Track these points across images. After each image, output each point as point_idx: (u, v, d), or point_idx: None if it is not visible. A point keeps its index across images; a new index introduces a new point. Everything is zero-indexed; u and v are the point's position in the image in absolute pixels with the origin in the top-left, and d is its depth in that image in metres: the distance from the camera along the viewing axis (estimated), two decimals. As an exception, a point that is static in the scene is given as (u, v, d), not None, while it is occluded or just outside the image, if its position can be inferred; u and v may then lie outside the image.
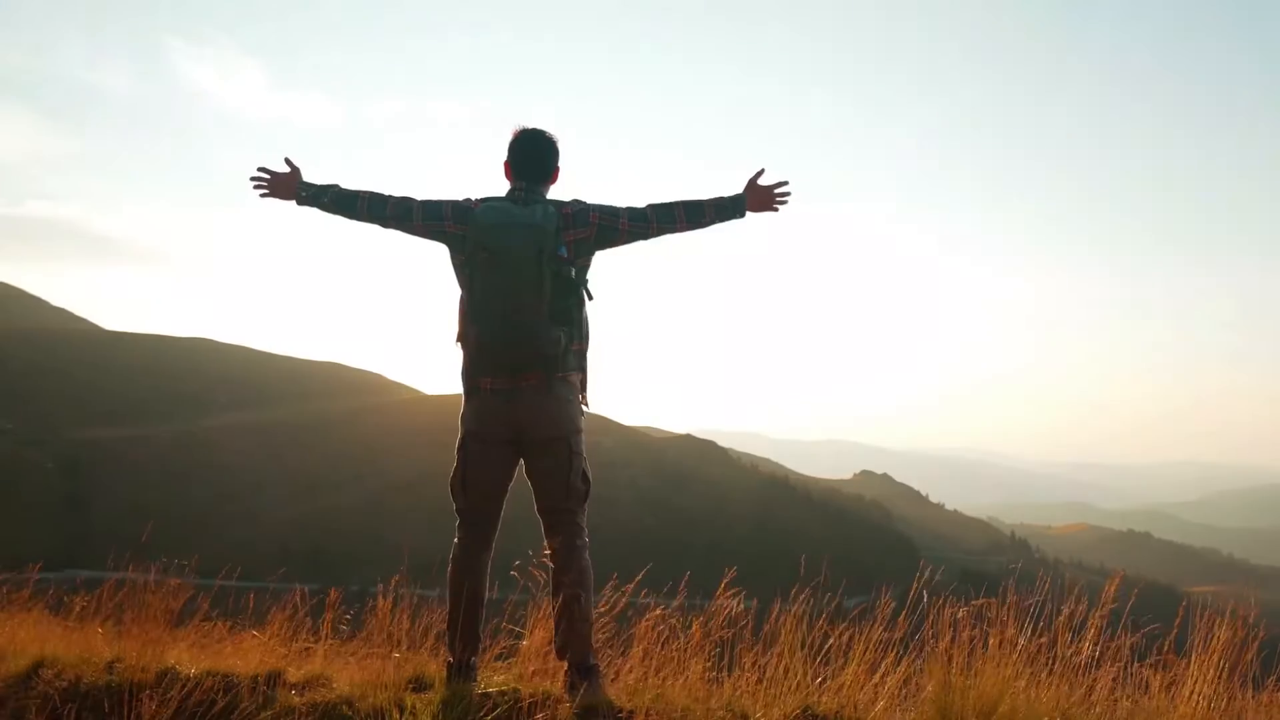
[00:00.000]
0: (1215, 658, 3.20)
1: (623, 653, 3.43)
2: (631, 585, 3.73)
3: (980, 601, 3.27)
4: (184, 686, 2.98)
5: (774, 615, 3.35)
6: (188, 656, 3.55)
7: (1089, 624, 3.31)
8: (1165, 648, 3.45)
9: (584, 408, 3.38)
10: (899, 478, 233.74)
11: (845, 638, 3.28)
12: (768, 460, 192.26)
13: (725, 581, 3.68)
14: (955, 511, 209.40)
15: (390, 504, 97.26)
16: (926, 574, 3.48)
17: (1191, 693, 3.17)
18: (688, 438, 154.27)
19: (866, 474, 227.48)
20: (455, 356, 3.33)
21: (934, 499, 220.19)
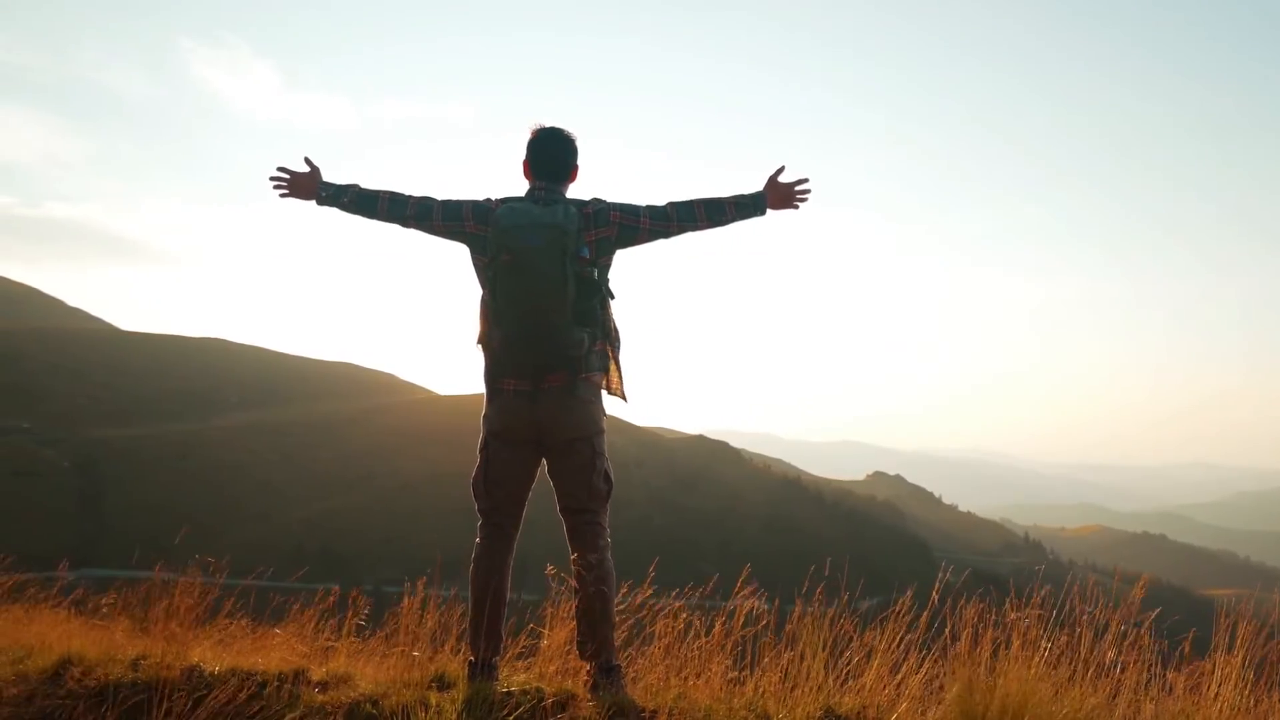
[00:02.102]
0: (1240, 660, 3.18)
1: (642, 652, 3.43)
2: (644, 586, 3.72)
3: (1004, 601, 3.26)
4: (211, 684, 3.00)
5: (796, 615, 3.34)
6: (211, 655, 3.58)
7: (1111, 625, 3.29)
8: (1186, 650, 3.43)
9: (624, 400, 3.38)
10: (911, 479, 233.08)
11: (866, 638, 3.27)
12: (780, 461, 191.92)
13: (741, 581, 3.67)
14: (968, 513, 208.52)
15: (403, 504, 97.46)
16: (946, 575, 3.47)
17: (1216, 695, 3.15)
18: (700, 438, 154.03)
19: (878, 475, 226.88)
20: (473, 357, 3.33)
21: (946, 500, 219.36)
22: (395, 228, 3.44)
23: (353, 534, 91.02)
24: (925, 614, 3.35)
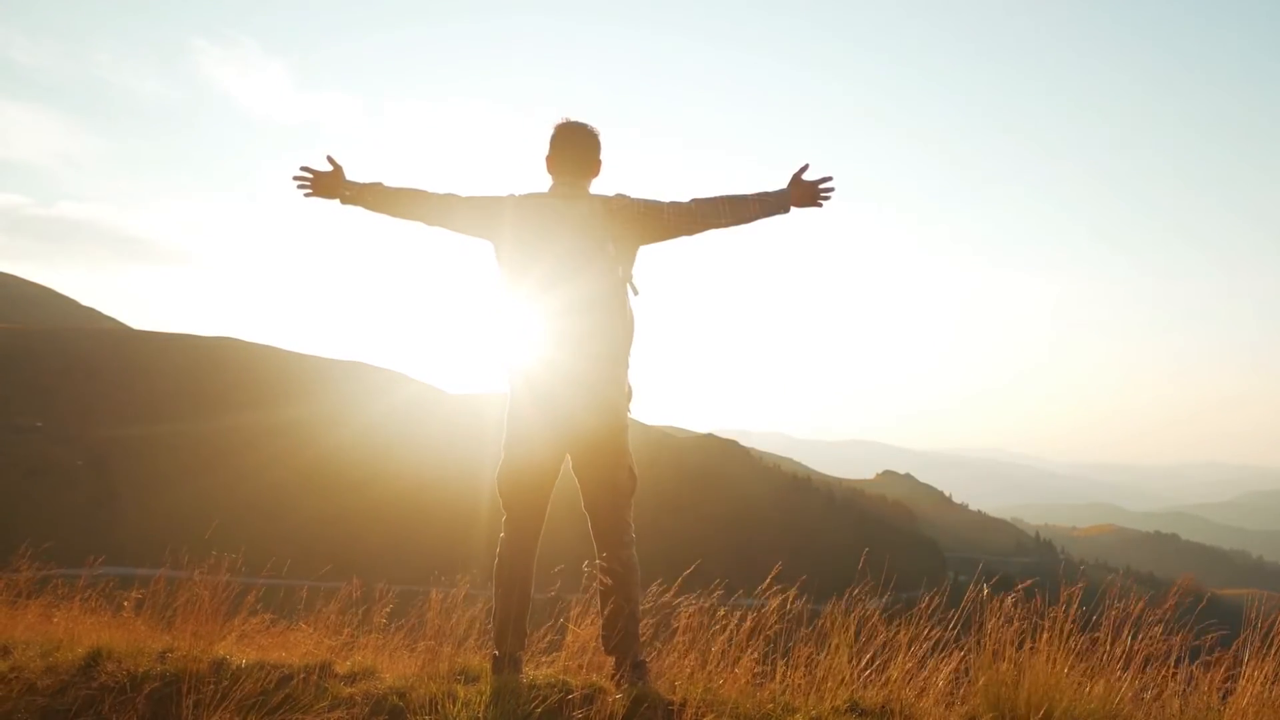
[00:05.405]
0: (1268, 660, 3.17)
1: (667, 647, 3.44)
2: (653, 586, 3.72)
3: (1029, 598, 3.26)
4: (238, 676, 3.02)
5: (826, 612, 3.34)
6: (236, 649, 3.61)
7: (1140, 621, 3.28)
8: (1209, 644, 3.41)
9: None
10: (922, 478, 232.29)
11: (889, 634, 3.26)
12: (790, 460, 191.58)
13: (770, 579, 3.67)
14: (979, 512, 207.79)
15: (410, 503, 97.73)
16: (972, 573, 3.46)
17: (1242, 692, 3.14)
18: (710, 437, 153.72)
19: (889, 474, 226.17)
20: (484, 356, 3.33)
21: (957, 499, 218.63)
22: (419, 226, 3.44)
23: (362, 533, 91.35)
24: (952, 611, 3.35)
